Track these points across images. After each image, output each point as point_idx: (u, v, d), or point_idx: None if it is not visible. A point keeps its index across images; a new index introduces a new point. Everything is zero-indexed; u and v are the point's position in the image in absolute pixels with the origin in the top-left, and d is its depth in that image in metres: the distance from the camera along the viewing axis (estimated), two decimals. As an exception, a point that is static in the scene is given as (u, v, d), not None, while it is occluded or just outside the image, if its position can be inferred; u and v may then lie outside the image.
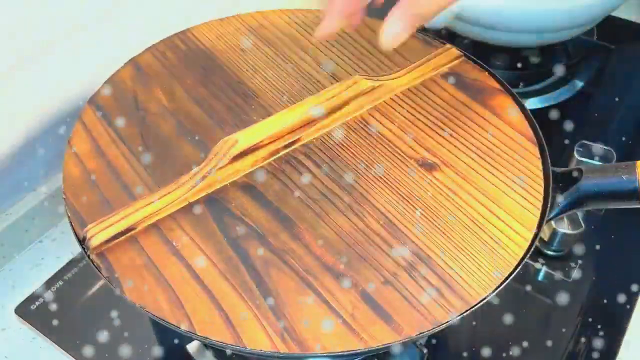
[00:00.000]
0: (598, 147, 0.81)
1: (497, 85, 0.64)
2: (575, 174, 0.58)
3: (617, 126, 0.90)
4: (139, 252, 0.50)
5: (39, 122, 0.72)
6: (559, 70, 0.95)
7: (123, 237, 0.50)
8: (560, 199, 0.58)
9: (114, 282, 0.48)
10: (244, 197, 0.54)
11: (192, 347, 0.64)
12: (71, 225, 0.51)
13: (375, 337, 0.46)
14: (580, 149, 0.80)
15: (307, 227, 0.52)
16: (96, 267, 0.49)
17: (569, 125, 0.91)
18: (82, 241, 0.50)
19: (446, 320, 0.47)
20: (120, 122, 0.60)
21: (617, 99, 0.94)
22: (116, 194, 0.54)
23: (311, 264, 0.50)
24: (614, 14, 0.90)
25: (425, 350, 0.63)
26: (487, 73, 0.66)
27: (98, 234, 0.50)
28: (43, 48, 0.67)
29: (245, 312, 0.47)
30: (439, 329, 0.46)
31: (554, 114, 0.91)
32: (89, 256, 0.49)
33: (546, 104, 0.93)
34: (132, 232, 0.51)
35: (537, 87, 0.95)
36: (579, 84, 0.96)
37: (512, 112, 0.62)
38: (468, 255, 0.50)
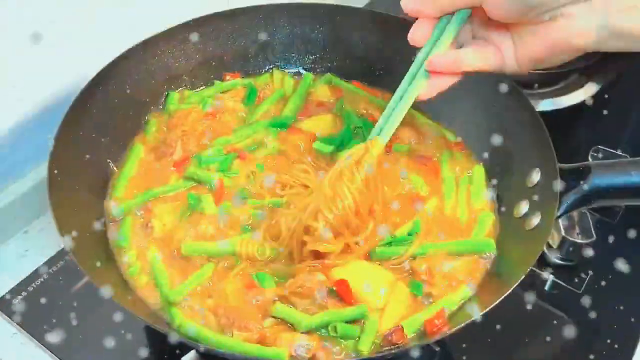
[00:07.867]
0: (613, 153, 0.78)
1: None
2: (583, 170, 0.58)
3: (634, 132, 0.88)
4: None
5: (29, 111, 0.70)
6: (576, 71, 0.92)
7: None
8: (568, 196, 0.58)
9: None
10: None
11: (188, 358, 0.59)
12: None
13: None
14: (595, 154, 0.78)
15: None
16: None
17: (583, 130, 0.88)
18: None
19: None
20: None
21: (635, 104, 0.92)
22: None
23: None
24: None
25: (437, 349, 0.61)
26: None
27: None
28: (32, 41, 0.66)
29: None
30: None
31: (568, 117, 0.88)
32: None
33: (561, 107, 0.89)
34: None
35: (552, 88, 0.91)
36: (596, 86, 0.92)
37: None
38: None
